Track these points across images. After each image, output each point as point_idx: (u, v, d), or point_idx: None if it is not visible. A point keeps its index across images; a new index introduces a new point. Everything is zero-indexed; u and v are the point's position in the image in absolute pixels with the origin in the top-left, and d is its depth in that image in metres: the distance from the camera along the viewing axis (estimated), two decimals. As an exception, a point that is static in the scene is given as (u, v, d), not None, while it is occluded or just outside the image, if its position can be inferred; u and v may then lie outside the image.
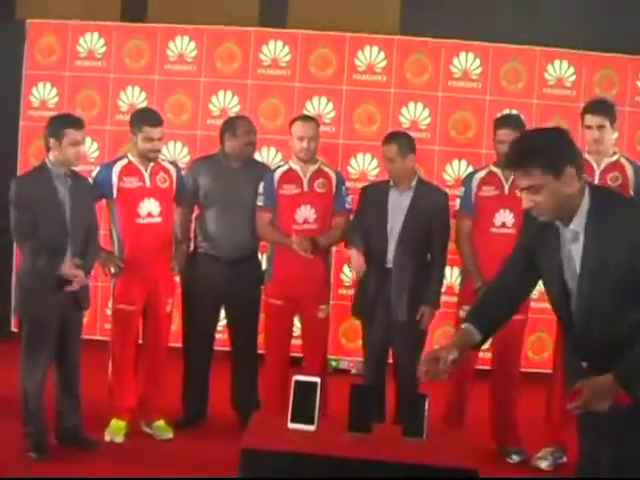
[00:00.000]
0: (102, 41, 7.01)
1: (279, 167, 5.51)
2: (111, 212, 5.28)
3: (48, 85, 7.05)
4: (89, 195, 5.01)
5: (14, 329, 6.43)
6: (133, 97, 6.98)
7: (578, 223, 2.98)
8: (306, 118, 5.52)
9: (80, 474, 4.55)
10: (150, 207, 5.21)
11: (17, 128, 7.05)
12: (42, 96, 7.04)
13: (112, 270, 5.22)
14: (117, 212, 5.23)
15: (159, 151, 5.27)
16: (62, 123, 4.82)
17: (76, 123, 4.83)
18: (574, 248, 3.01)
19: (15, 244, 5.54)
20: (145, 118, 5.23)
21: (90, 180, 5.18)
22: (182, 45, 6.97)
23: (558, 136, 3.01)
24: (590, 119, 5.02)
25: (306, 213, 5.32)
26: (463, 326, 3.30)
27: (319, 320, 5.42)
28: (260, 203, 5.36)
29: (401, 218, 5.21)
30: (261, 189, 5.36)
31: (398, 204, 5.24)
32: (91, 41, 7.01)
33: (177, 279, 5.53)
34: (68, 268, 4.73)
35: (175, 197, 5.38)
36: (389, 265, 5.20)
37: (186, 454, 5.02)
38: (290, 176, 5.36)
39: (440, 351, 3.21)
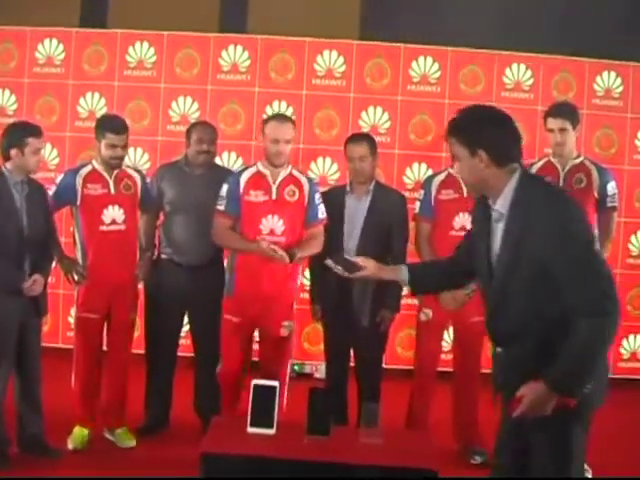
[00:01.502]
0: (61, 47, 6.97)
1: (246, 169, 5.13)
2: (75, 219, 5.23)
3: (7, 92, 6.99)
4: (46, 202, 4.95)
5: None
6: (93, 103, 6.94)
7: (502, 204, 3.04)
8: (282, 118, 5.13)
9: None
10: (114, 214, 5.17)
11: (-24, 136, 7.00)
12: (1, 103, 6.98)
13: (75, 278, 5.18)
14: (81, 219, 5.18)
15: (121, 159, 5.21)
16: (23, 132, 4.78)
17: (37, 131, 4.80)
18: (498, 228, 3.07)
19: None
20: (108, 125, 5.18)
21: (51, 187, 5.14)
22: (141, 51, 6.95)
23: (486, 119, 3.07)
24: (552, 122, 5.10)
25: (273, 224, 4.93)
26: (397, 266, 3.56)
27: (282, 338, 5.06)
28: (221, 207, 4.97)
29: (360, 223, 5.20)
30: (224, 192, 4.97)
31: (356, 209, 5.24)
32: (50, 47, 6.97)
33: (140, 286, 5.50)
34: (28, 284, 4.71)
35: (140, 204, 5.35)
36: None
37: (149, 460, 5.00)
38: (258, 181, 4.97)
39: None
